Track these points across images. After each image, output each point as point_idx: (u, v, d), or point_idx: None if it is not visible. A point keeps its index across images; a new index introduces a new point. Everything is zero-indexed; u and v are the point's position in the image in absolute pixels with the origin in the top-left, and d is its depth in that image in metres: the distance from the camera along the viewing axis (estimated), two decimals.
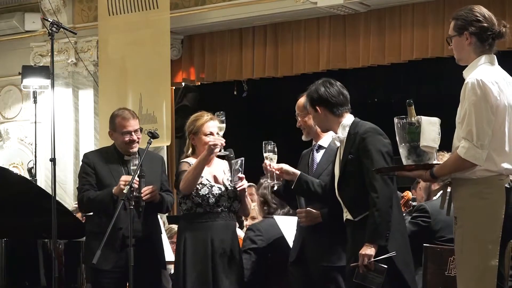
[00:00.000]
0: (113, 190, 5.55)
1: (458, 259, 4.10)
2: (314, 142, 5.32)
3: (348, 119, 4.86)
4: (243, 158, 5.41)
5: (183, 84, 10.47)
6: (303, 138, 5.32)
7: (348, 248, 4.83)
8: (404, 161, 4.15)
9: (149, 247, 5.63)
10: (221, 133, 5.44)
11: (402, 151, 4.13)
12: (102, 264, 5.38)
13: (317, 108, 4.88)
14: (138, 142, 5.77)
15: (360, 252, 4.64)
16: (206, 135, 5.48)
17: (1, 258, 6.05)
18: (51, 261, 5.91)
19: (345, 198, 4.79)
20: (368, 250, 4.64)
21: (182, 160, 5.62)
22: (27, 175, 9.92)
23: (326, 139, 5.25)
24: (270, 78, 9.90)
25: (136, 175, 5.43)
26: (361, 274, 4.65)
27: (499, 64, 4.20)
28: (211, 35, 10.08)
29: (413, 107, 4.12)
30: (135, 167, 5.46)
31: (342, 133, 4.83)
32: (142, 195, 5.47)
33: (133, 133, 5.73)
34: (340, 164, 4.81)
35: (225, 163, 5.59)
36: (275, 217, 5.78)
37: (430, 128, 4.09)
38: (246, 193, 5.57)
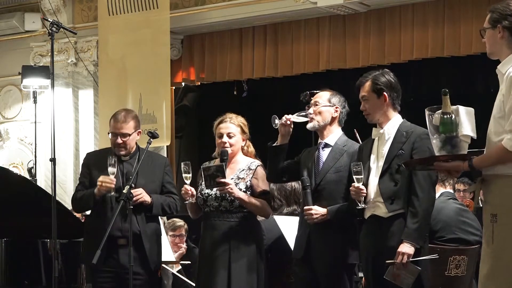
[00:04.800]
0: (94, 190, 5.59)
1: (493, 256, 3.98)
2: (319, 140, 5.32)
3: (398, 117, 4.90)
4: (222, 164, 5.31)
5: (183, 84, 10.47)
6: (309, 126, 5.26)
7: (368, 245, 4.78)
8: (437, 153, 4.06)
9: (137, 248, 5.53)
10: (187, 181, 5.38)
11: (436, 142, 4.05)
12: (89, 263, 5.36)
13: (384, 94, 4.87)
14: (124, 147, 5.72)
15: (398, 250, 4.61)
16: (218, 137, 5.53)
17: (1, 258, 6.05)
18: (51, 261, 5.91)
19: (385, 190, 4.74)
20: (408, 249, 4.61)
21: (203, 164, 5.66)
22: (27, 175, 9.92)
23: (332, 137, 5.26)
24: (270, 78, 9.90)
25: (112, 176, 5.50)
26: (393, 272, 4.59)
27: None
28: (211, 35, 10.08)
29: (448, 96, 4.07)
30: (112, 169, 5.49)
31: (392, 129, 4.85)
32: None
33: (119, 136, 5.70)
34: (385, 157, 4.78)
35: (244, 163, 5.53)
36: (275, 217, 5.77)
37: (468, 118, 4.05)
38: (238, 194, 5.33)
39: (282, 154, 5.27)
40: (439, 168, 4.14)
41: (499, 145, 3.93)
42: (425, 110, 4.13)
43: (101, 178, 5.53)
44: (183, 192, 5.39)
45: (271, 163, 5.32)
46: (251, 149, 5.63)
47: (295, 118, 5.22)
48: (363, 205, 4.79)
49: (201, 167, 5.39)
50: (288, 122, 5.20)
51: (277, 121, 5.22)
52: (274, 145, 5.26)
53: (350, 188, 4.82)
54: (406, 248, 4.62)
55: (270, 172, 5.37)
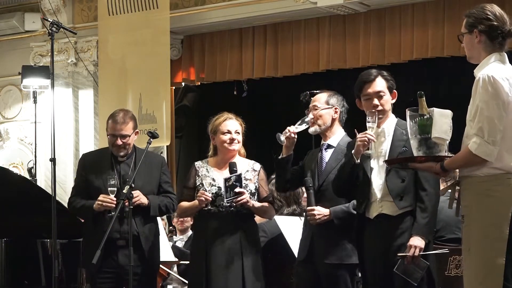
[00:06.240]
0: (94, 206, 5.60)
1: (465, 258, 4.08)
2: (322, 141, 5.33)
3: (393, 116, 4.94)
4: (240, 173, 5.38)
5: (183, 84, 10.46)
6: (311, 130, 5.28)
7: (377, 244, 4.76)
8: (415, 153, 4.13)
9: (136, 249, 5.53)
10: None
11: (413, 143, 4.12)
12: (89, 264, 5.40)
13: (395, 92, 4.95)
14: (125, 147, 5.72)
15: (409, 243, 4.62)
16: (223, 133, 5.53)
17: (1, 258, 6.05)
18: (51, 261, 5.91)
19: (394, 187, 4.74)
20: (419, 242, 4.63)
21: (195, 163, 5.65)
22: (27, 175, 9.92)
23: (334, 138, 5.28)
24: (270, 78, 9.90)
25: (113, 195, 5.51)
26: (404, 265, 4.60)
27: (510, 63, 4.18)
28: (211, 35, 10.08)
29: (424, 98, 4.10)
30: (113, 188, 5.50)
31: (390, 128, 4.87)
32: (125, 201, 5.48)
33: (118, 138, 5.69)
34: (387, 156, 4.78)
35: (245, 164, 5.57)
36: (276, 217, 5.78)
37: (442, 120, 4.08)
38: (252, 203, 5.42)
39: (288, 165, 5.29)
40: (414, 168, 4.19)
41: (466, 148, 3.99)
42: (406, 110, 4.18)
43: (102, 197, 5.54)
44: (202, 198, 5.38)
45: (278, 175, 5.36)
46: (243, 150, 5.68)
47: (298, 128, 5.22)
48: (369, 151, 4.76)
49: (223, 178, 5.38)
50: (293, 135, 5.20)
51: (282, 137, 5.20)
52: (280, 157, 5.26)
53: (359, 135, 4.77)
54: (417, 241, 4.63)
55: (279, 185, 5.42)
